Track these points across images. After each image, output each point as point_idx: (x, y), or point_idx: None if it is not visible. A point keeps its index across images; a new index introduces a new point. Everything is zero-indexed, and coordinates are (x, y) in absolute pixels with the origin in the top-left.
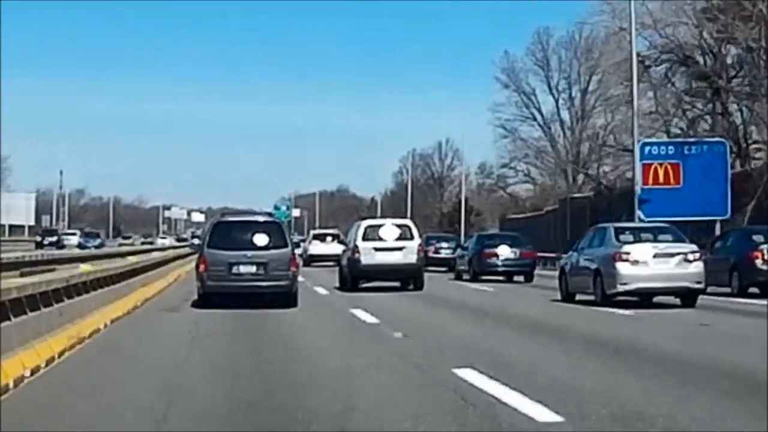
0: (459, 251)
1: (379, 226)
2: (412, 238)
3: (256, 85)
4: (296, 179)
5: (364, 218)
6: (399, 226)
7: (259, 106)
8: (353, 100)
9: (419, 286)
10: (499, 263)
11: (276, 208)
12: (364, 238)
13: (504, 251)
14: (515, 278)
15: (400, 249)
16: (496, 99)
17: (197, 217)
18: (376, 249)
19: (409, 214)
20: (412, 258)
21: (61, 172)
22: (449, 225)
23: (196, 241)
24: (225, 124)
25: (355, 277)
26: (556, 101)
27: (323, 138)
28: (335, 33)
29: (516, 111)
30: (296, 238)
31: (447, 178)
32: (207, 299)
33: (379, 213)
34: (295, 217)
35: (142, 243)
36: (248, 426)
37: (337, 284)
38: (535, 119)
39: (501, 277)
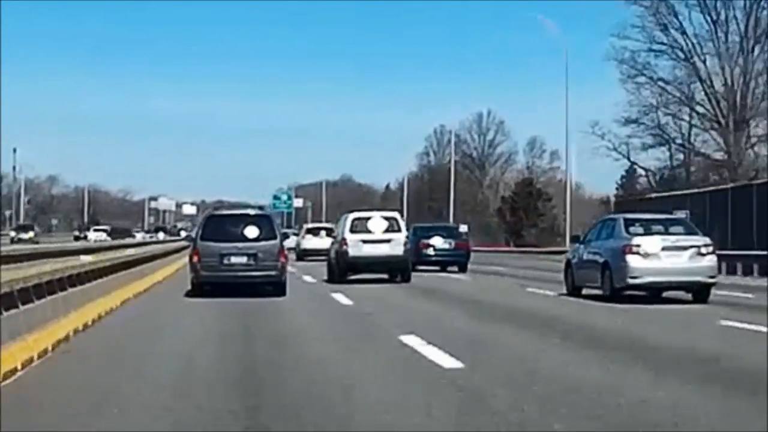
0: None
1: (367, 218)
2: (399, 230)
3: (252, 77)
4: (295, 170)
5: (352, 211)
6: (386, 218)
7: (255, 99)
8: (354, 87)
9: (406, 278)
10: (433, 254)
11: (275, 198)
12: (352, 231)
13: (438, 242)
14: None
15: (387, 241)
16: (619, 20)
17: (188, 210)
18: (364, 241)
19: (452, 202)
20: (399, 250)
21: (14, 150)
22: (512, 214)
23: (161, 235)
24: (220, 117)
25: (342, 269)
26: (713, 22)
27: (323, 127)
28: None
29: (646, 39)
30: (290, 231)
31: (489, 158)
32: (200, 288)
33: (405, 201)
34: (297, 208)
35: (76, 238)
36: None
37: (326, 276)
38: (680, 50)
39: (436, 267)
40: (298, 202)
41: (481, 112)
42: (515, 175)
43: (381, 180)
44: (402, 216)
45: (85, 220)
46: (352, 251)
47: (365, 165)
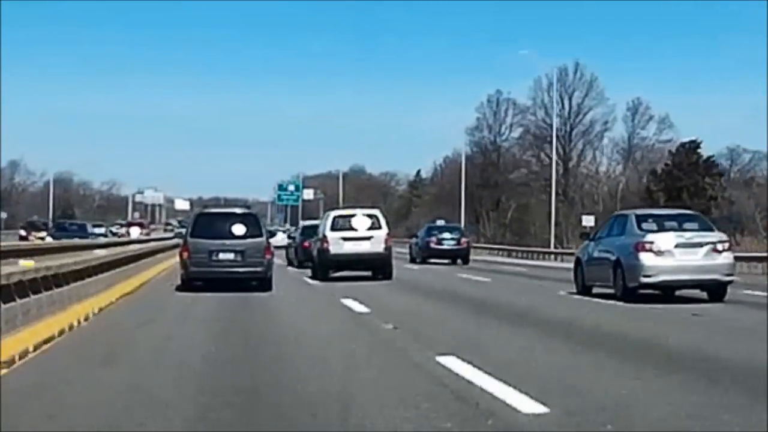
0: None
1: (349, 216)
2: (380, 227)
3: (249, 70)
4: (299, 162)
5: (334, 208)
6: (369, 215)
7: (252, 91)
8: (361, 66)
9: (387, 275)
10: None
11: (280, 188)
12: (333, 228)
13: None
14: None
15: (368, 239)
16: None
17: (181, 205)
18: (345, 239)
19: (554, 189)
20: (380, 247)
21: None
22: (669, 196)
23: (98, 237)
24: (217, 111)
25: (324, 266)
26: None
27: (327, 116)
28: None
29: None
30: (276, 228)
31: (577, 127)
32: (189, 284)
33: (462, 188)
34: (306, 201)
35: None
36: None
37: (310, 274)
38: None
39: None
40: (307, 194)
41: (564, 67)
42: (608, 150)
43: (406, 167)
44: (460, 207)
45: (52, 214)
46: (333, 249)
47: (379, 153)
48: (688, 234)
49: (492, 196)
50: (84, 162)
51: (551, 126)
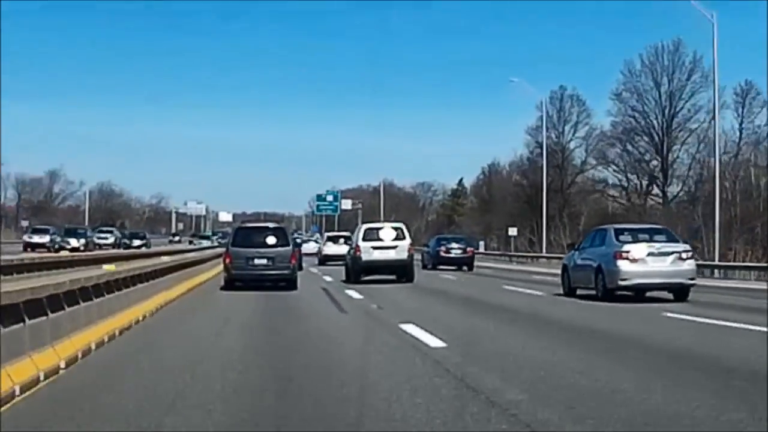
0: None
1: (377, 228)
2: (404, 238)
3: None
4: (328, 180)
5: (365, 222)
6: (394, 228)
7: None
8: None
9: (409, 278)
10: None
11: (319, 198)
12: (364, 239)
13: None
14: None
15: (393, 247)
16: None
17: (224, 217)
18: (374, 248)
19: (717, 194)
20: (404, 255)
21: None
22: None
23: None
24: (257, 137)
25: (357, 271)
26: None
27: (354, 138)
28: None
29: None
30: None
31: (676, 116)
32: (231, 284)
33: (544, 188)
34: (345, 211)
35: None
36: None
37: (344, 278)
38: None
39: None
40: (346, 204)
41: (659, 44)
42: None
43: (445, 177)
44: (541, 215)
45: (86, 223)
46: (365, 256)
47: (406, 168)
48: (657, 245)
49: (559, 202)
50: (133, 177)
51: (646, 114)
